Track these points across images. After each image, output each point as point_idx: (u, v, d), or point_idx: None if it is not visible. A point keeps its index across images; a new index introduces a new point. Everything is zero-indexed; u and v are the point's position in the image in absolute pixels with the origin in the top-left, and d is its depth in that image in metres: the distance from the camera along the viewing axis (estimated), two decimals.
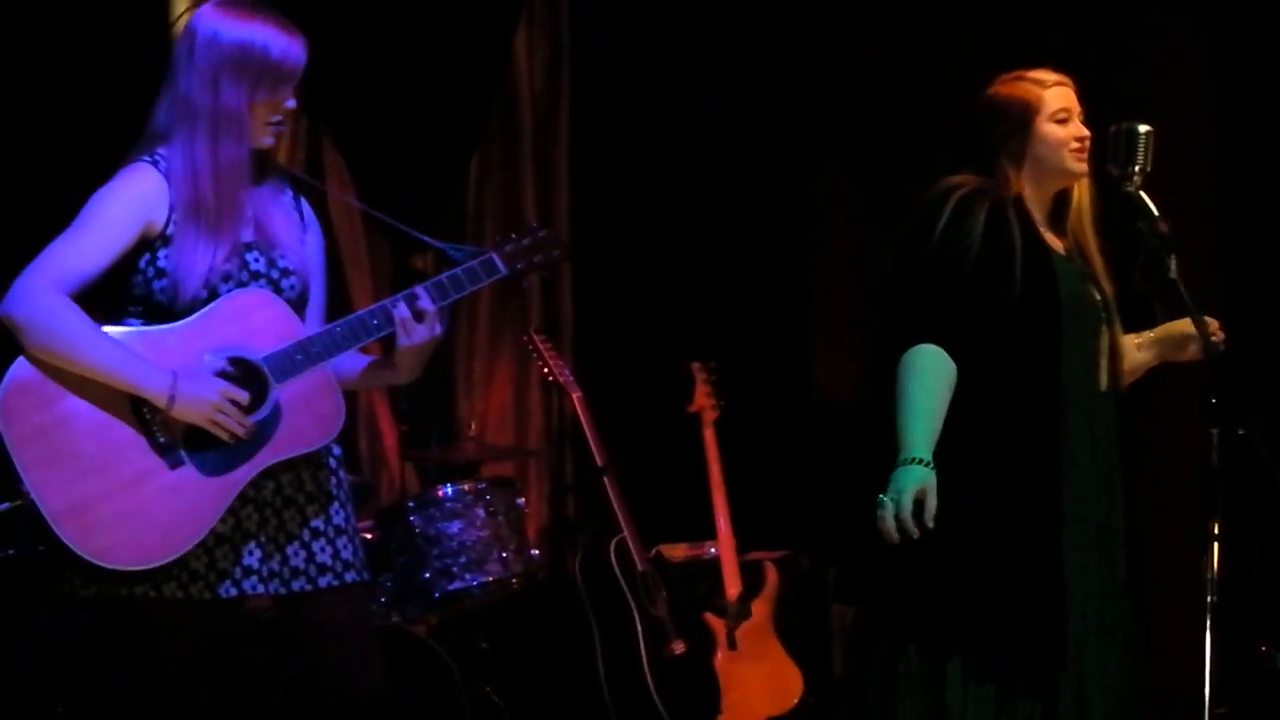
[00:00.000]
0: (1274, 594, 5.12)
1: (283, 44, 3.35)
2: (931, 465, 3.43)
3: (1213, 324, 3.66)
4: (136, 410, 3.22)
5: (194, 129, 3.33)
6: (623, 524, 5.13)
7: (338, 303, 3.70)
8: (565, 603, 5.29)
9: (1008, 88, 3.71)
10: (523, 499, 5.14)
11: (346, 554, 3.43)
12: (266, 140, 3.40)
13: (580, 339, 6.37)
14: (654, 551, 5.25)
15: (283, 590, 3.35)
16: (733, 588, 5.43)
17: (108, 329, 3.25)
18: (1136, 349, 3.77)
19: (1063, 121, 3.66)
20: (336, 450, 3.48)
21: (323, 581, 3.38)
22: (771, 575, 5.55)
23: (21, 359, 3.21)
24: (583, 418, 5.23)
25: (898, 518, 3.38)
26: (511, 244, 3.51)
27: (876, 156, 6.66)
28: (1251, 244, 5.63)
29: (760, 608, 5.46)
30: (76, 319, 3.19)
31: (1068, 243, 3.73)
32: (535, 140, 6.47)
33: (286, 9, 3.54)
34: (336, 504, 3.45)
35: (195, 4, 5.43)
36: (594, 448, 5.21)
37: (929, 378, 3.50)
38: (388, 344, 3.45)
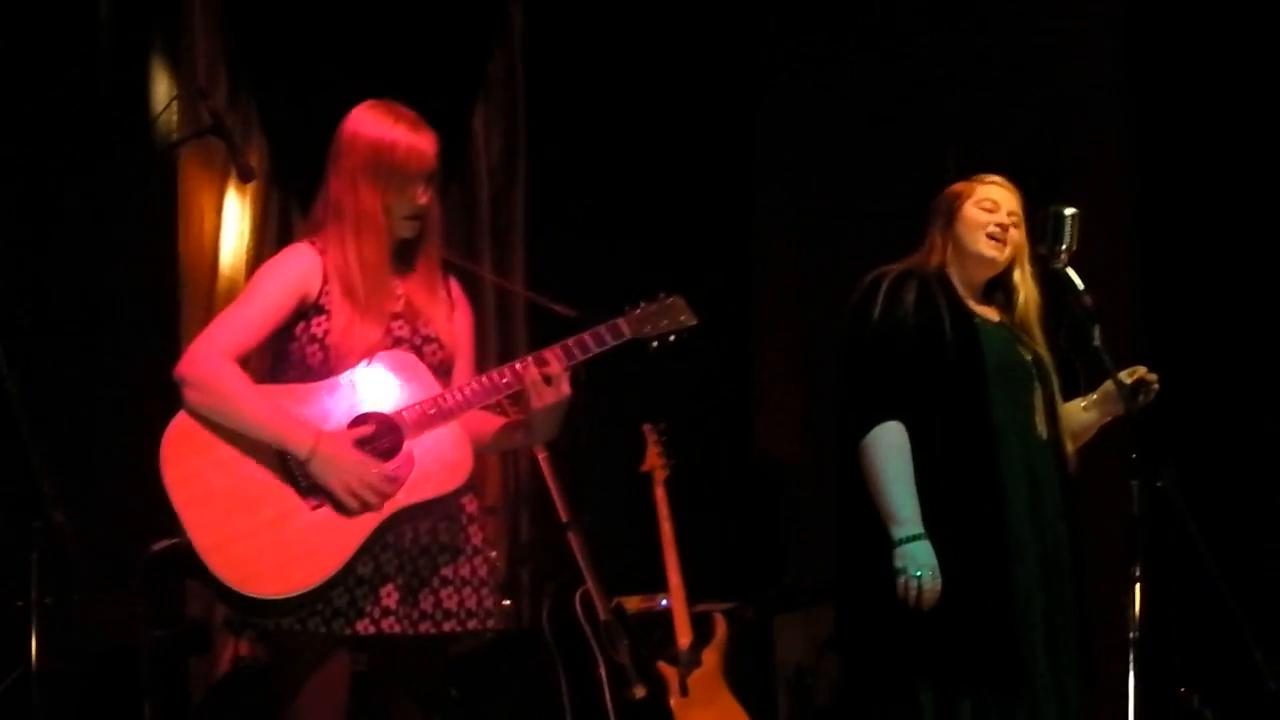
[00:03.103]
0: (1192, 639, 5.31)
1: (408, 144, 3.53)
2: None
3: (1151, 376, 3.97)
4: (282, 458, 3.42)
5: (341, 227, 3.55)
6: (587, 576, 5.22)
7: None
8: (530, 651, 5.44)
9: (955, 184, 4.05)
10: (494, 552, 5.26)
11: (470, 603, 3.57)
12: (405, 233, 3.57)
13: None
14: (615, 602, 5.37)
15: (411, 631, 3.50)
16: (684, 637, 5.59)
17: (266, 386, 3.49)
18: (1083, 410, 4.06)
19: (988, 210, 3.98)
20: (470, 509, 3.63)
21: (446, 626, 3.53)
22: (720, 625, 5.71)
23: (183, 412, 3.44)
24: (548, 475, 5.29)
25: (926, 590, 3.72)
26: (639, 310, 3.67)
27: (819, 222, 6.85)
28: (1172, 312, 5.85)
29: (710, 656, 5.63)
30: (234, 379, 3.43)
31: (1005, 318, 4.03)
32: (492, 214, 6.62)
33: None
34: (464, 556, 3.59)
35: (173, 98, 5.65)
36: (559, 503, 5.28)
37: (898, 453, 3.80)
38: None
